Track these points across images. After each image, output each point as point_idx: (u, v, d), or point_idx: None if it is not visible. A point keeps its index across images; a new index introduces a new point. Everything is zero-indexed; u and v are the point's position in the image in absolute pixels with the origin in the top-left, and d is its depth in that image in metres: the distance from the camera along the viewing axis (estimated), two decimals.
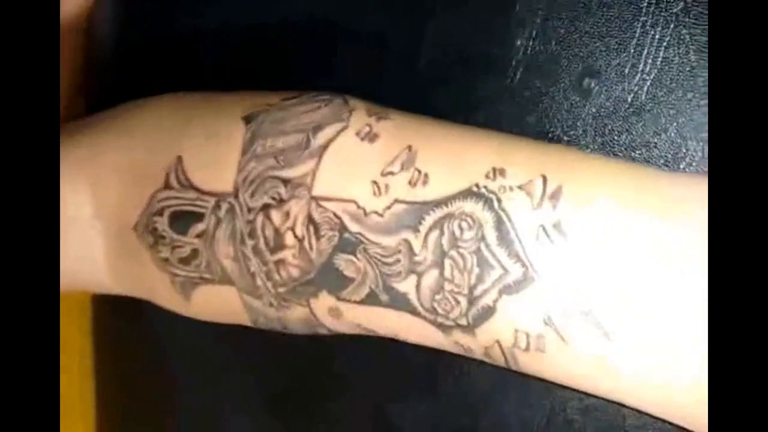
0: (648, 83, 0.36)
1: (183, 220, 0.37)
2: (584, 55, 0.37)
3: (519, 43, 0.38)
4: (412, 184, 0.32)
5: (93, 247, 0.41)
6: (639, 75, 0.36)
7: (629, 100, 0.36)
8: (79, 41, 0.56)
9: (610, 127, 0.37)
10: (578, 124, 0.37)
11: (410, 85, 0.40)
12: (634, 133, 0.36)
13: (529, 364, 0.31)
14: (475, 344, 0.31)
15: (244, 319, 0.38)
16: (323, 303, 0.34)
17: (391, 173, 0.32)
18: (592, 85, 0.37)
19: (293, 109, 0.36)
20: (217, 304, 0.38)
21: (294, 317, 0.36)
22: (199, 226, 0.37)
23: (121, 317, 0.51)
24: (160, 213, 0.38)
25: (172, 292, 0.39)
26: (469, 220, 0.30)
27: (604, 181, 0.30)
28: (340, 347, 0.42)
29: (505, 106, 0.38)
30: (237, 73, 0.45)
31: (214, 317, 0.40)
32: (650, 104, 0.36)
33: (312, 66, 0.42)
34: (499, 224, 0.30)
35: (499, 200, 0.30)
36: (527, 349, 0.30)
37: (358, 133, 0.34)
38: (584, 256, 0.29)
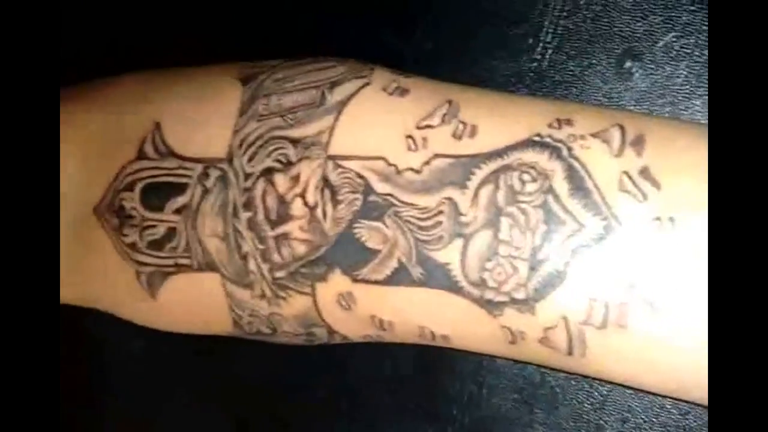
0: (699, 66, 0.32)
1: (159, 193, 0.31)
2: (625, 35, 0.33)
3: (547, 21, 0.34)
4: (456, 136, 0.27)
5: None
6: (688, 57, 0.32)
7: (679, 82, 0.33)
8: None
9: (656, 112, 0.33)
10: None
11: (426, 65, 0.35)
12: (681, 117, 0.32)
13: (601, 350, 0.25)
14: (531, 327, 0.26)
15: (224, 320, 0.32)
16: (333, 287, 0.28)
17: (429, 126, 0.27)
18: (634, 68, 0.33)
19: (300, 68, 0.31)
20: (191, 299, 0.32)
21: (290, 313, 0.30)
22: (180, 200, 0.30)
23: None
24: (129, 188, 0.31)
25: (134, 289, 0.32)
26: (531, 171, 0.25)
27: (683, 129, 0.25)
28: (322, 365, 0.36)
29: (532, 91, 0.34)
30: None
31: (184, 321, 0.33)
32: (702, 88, 0.32)
33: (311, 34, 0.37)
34: (572, 174, 0.25)
35: (569, 149, 0.25)
36: (603, 325, 0.24)
37: (384, 89, 0.29)
38: (678, 203, 0.24)
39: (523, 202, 0.25)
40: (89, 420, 0.41)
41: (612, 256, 0.24)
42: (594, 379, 0.31)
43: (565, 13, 0.34)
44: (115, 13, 0.40)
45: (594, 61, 0.33)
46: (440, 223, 0.26)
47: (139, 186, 0.31)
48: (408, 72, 0.30)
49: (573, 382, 0.33)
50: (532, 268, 0.25)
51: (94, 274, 0.33)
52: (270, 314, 0.30)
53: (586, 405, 0.33)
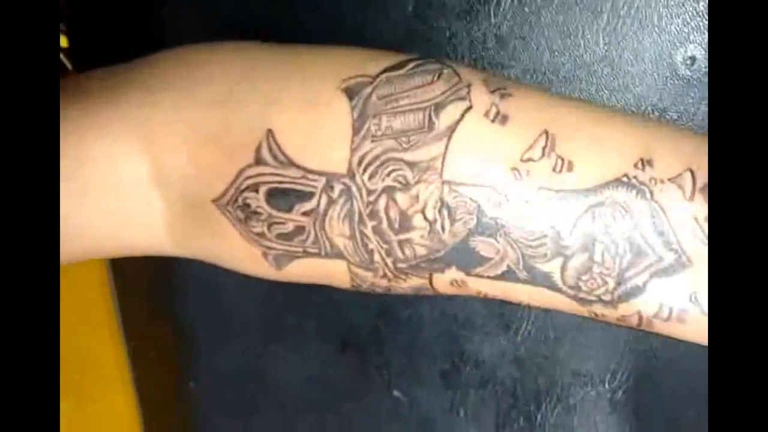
0: None
1: (286, 198, 0.36)
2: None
3: None
4: (555, 170, 0.33)
5: (152, 211, 0.39)
6: None
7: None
8: None
9: None
10: None
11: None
12: None
13: (661, 329, 0.35)
14: (613, 314, 0.35)
15: (343, 284, 0.38)
16: (448, 277, 0.36)
17: (531, 160, 0.33)
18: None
19: (401, 84, 0.35)
20: (316, 274, 0.38)
21: (406, 286, 0.37)
22: (307, 205, 0.36)
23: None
24: (253, 189, 0.36)
25: (258, 262, 0.38)
26: (621, 210, 0.33)
27: None
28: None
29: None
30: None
31: (302, 281, 0.40)
32: None
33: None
34: (654, 216, 0.32)
35: (651, 192, 0.33)
36: (668, 319, 0.34)
37: (486, 114, 0.34)
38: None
39: (614, 234, 0.33)
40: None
41: (680, 279, 0.33)
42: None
43: None
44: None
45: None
46: (545, 243, 0.34)
47: (263, 189, 0.36)
48: (500, 82, 0.35)
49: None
50: (618, 284, 0.33)
51: (212, 247, 0.39)
52: (388, 286, 0.37)
53: (653, 362, 0.43)
